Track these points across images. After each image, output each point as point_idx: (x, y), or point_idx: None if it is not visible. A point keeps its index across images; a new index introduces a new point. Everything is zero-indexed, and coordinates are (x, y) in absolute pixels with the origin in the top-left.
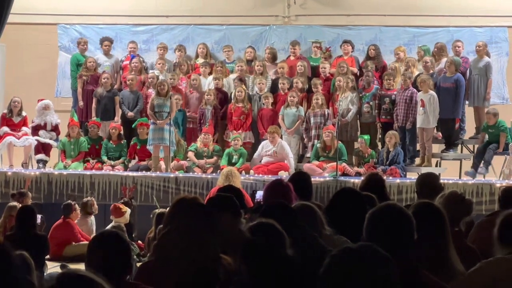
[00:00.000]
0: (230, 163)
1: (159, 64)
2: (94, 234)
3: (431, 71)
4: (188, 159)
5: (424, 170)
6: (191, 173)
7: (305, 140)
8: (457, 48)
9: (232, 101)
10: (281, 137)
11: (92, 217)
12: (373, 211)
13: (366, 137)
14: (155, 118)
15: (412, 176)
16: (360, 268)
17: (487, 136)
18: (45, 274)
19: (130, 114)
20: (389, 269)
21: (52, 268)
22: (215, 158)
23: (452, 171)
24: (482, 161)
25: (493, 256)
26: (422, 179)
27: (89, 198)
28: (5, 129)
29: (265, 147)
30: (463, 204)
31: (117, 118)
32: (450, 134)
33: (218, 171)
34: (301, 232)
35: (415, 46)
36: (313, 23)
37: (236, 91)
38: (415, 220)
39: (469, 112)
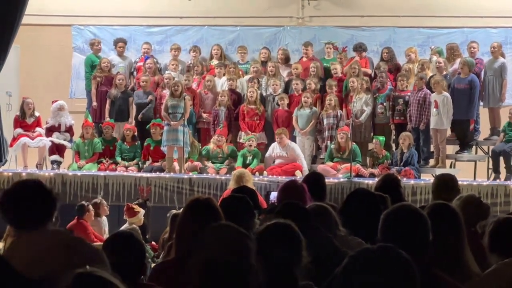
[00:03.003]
0: (245, 164)
1: (172, 65)
2: (106, 235)
3: (445, 72)
4: (203, 159)
5: (438, 171)
6: (205, 174)
7: (319, 141)
8: (472, 49)
9: (244, 102)
10: (295, 138)
11: (105, 218)
12: (388, 212)
13: (381, 138)
14: (169, 119)
15: (426, 178)
16: (379, 270)
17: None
18: None
19: (140, 116)
20: (409, 272)
21: None
22: (226, 162)
23: (466, 173)
24: (505, 168)
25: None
26: (439, 179)
27: (97, 199)
28: (19, 130)
29: (275, 149)
30: (480, 208)
31: (131, 120)
32: (464, 136)
33: (232, 172)
34: (316, 233)
35: (429, 47)
36: (327, 24)
37: (248, 92)
38: (430, 221)
39: (483, 113)
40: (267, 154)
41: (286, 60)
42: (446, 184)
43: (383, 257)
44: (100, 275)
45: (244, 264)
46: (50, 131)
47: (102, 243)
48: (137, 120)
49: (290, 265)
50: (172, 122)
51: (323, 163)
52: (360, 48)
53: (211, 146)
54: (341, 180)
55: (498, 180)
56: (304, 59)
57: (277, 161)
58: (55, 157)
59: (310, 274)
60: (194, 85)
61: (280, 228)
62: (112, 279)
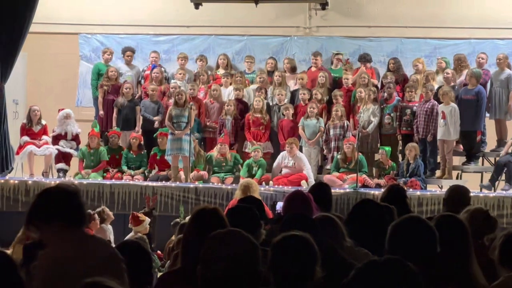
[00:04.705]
0: (250, 174)
1: (180, 74)
2: (111, 244)
3: (452, 83)
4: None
5: (445, 182)
6: (210, 183)
7: (325, 151)
8: (480, 60)
9: (250, 111)
10: (301, 148)
11: (110, 226)
12: (395, 223)
13: (387, 148)
14: (173, 129)
15: (432, 188)
16: (386, 282)
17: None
18: None
19: (156, 118)
20: (416, 284)
21: None
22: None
23: (472, 184)
24: (505, 179)
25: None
26: (454, 191)
27: (99, 208)
28: (26, 138)
29: (284, 159)
30: (488, 220)
31: (138, 128)
32: (471, 147)
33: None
34: (322, 244)
35: (436, 58)
36: (334, 34)
37: (254, 101)
38: (437, 232)
39: (490, 125)
40: (275, 163)
41: (293, 70)
42: (461, 198)
43: (390, 269)
44: (109, 285)
45: (251, 276)
46: (56, 139)
47: None
48: (143, 129)
49: (302, 279)
50: (176, 132)
51: (329, 173)
52: (364, 59)
53: (215, 153)
54: (347, 190)
55: (504, 192)
56: (313, 69)
57: (284, 171)
58: (61, 165)
59: None
60: (201, 95)
61: (297, 240)
62: None
